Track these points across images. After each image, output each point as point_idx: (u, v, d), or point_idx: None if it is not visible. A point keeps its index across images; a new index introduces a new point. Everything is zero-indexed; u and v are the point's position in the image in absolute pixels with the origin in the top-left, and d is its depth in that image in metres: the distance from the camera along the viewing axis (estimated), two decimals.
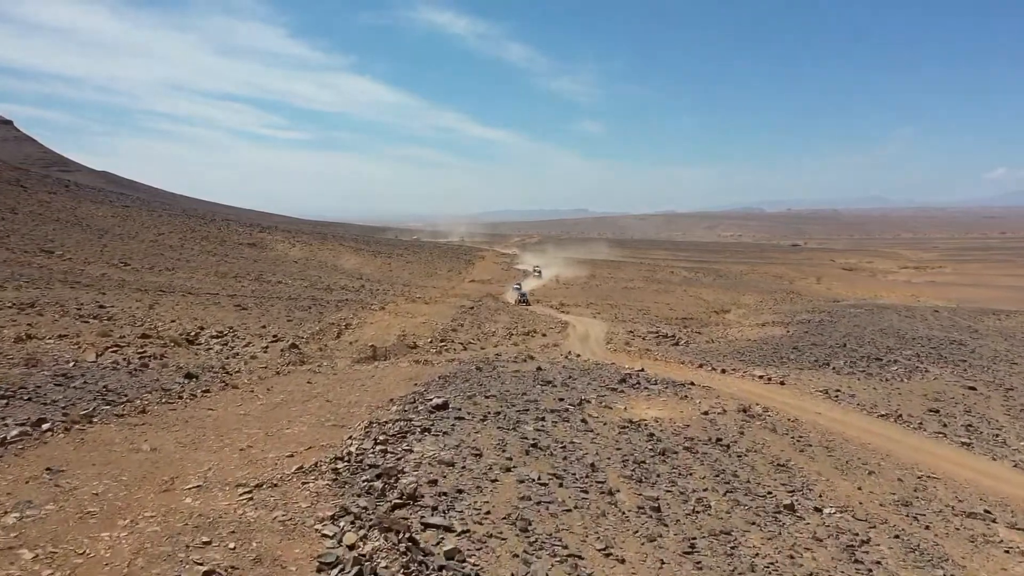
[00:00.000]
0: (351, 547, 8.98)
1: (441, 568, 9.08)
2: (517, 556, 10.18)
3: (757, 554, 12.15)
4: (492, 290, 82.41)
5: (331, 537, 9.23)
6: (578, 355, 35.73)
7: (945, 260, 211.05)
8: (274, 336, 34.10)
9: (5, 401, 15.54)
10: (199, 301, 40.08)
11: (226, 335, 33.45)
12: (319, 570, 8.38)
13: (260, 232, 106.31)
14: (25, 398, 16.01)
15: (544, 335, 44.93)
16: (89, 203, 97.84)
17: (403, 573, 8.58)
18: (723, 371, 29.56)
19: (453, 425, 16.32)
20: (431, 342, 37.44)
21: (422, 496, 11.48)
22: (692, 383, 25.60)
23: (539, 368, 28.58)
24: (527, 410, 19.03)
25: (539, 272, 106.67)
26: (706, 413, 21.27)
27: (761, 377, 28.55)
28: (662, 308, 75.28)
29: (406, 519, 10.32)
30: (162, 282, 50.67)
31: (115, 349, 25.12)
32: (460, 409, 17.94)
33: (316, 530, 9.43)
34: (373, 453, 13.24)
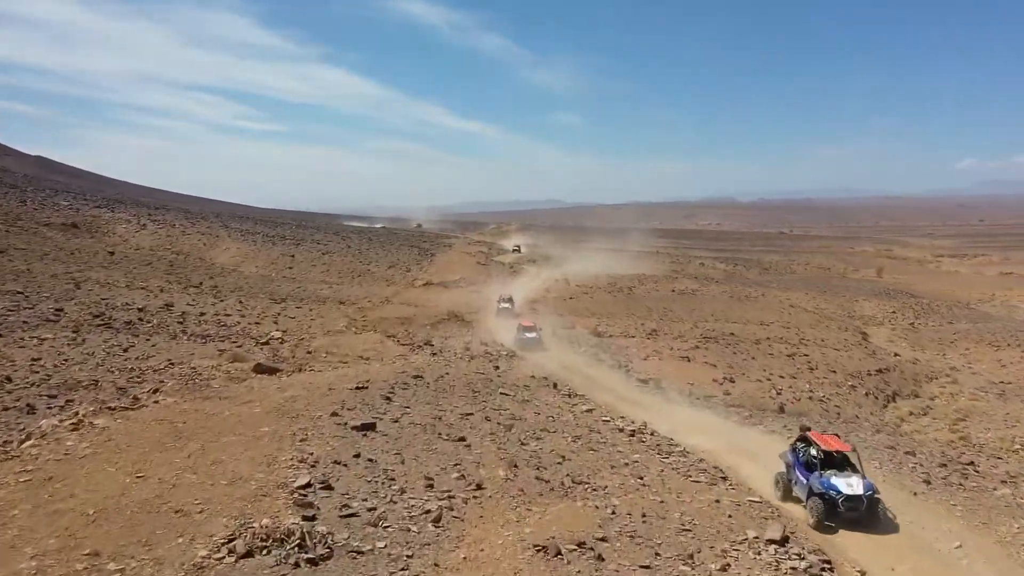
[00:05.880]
0: None
1: None
2: None
3: None
4: (461, 302, 42.93)
5: None
6: None
7: (971, 248, 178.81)
8: None
9: None
10: None
11: None
12: None
13: (95, 209, 65.17)
14: None
15: None
16: None
17: None
18: None
19: None
20: None
21: None
22: None
23: None
24: None
25: (518, 248, 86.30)
26: None
27: None
28: (798, 342, 36.67)
29: None
30: None
31: None
32: None
33: None
34: None
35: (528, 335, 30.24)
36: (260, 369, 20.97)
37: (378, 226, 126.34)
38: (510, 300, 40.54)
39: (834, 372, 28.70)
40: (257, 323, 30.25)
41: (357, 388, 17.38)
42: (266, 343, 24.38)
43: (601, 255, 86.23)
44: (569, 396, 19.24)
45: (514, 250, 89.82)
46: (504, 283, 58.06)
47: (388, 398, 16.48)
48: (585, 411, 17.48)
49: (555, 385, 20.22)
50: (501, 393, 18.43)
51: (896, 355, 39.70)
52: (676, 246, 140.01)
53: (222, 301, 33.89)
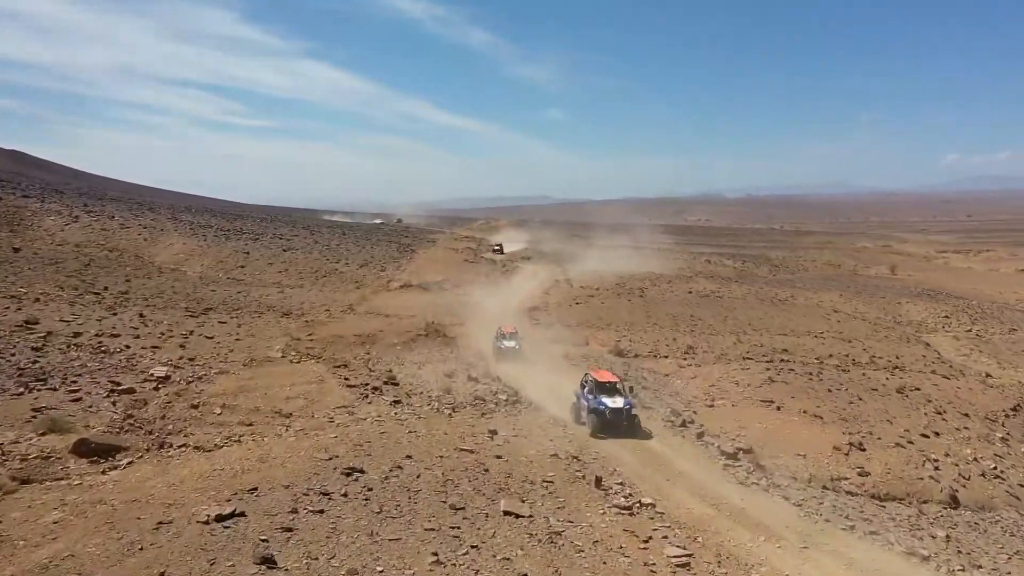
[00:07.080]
0: None
1: None
2: None
3: None
4: (443, 308, 34.05)
5: None
6: None
7: (972, 244, 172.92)
8: None
9: None
10: None
11: None
12: None
13: (22, 198, 55.56)
14: None
15: None
16: None
17: None
18: None
19: None
20: None
21: None
22: None
23: None
24: None
25: (499, 248, 71.93)
26: None
27: None
28: (869, 360, 28.24)
29: None
30: None
31: None
32: None
33: None
34: None
35: (609, 404, 16.17)
36: (82, 451, 11.99)
37: (378, 222, 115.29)
38: (515, 335, 25.52)
39: (967, 416, 20.16)
40: (155, 347, 21.21)
41: (218, 519, 8.51)
42: (128, 391, 15.37)
43: (601, 252, 77.57)
44: (629, 510, 10.41)
45: (495, 250, 71.81)
46: (496, 284, 49.22)
47: (268, 559, 7.60)
48: (677, 564, 8.71)
49: (598, 480, 11.38)
50: (505, 513, 9.60)
51: (988, 376, 31.43)
52: (675, 242, 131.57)
53: (116, 315, 24.71)
